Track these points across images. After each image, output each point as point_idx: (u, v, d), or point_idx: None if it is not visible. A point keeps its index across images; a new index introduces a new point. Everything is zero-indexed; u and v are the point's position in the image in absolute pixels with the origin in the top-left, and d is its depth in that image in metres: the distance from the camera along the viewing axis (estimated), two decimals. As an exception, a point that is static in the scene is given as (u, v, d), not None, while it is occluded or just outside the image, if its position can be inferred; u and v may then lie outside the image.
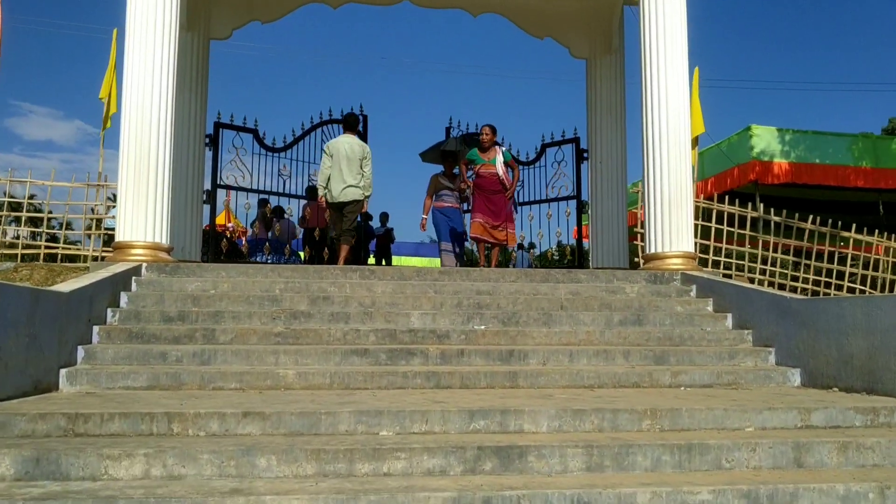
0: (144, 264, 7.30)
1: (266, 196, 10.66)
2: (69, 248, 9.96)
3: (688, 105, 8.38)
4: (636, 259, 10.80)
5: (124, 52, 7.78)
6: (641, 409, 4.42)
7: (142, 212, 7.53)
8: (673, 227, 8.18)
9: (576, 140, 10.62)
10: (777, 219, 10.89)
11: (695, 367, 5.99)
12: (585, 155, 10.49)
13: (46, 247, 9.75)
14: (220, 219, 17.00)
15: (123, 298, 6.62)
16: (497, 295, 7.22)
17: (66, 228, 10.09)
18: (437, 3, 10.57)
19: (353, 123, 9.30)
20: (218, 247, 9.74)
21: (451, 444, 3.84)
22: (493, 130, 9.38)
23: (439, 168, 10.76)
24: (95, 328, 5.93)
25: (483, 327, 6.53)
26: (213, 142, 9.90)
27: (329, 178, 8.94)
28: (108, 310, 6.28)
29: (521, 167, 11.11)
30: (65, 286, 5.77)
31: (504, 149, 9.60)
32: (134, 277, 7.00)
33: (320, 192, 8.95)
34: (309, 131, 10.68)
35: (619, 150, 10.25)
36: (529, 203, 10.84)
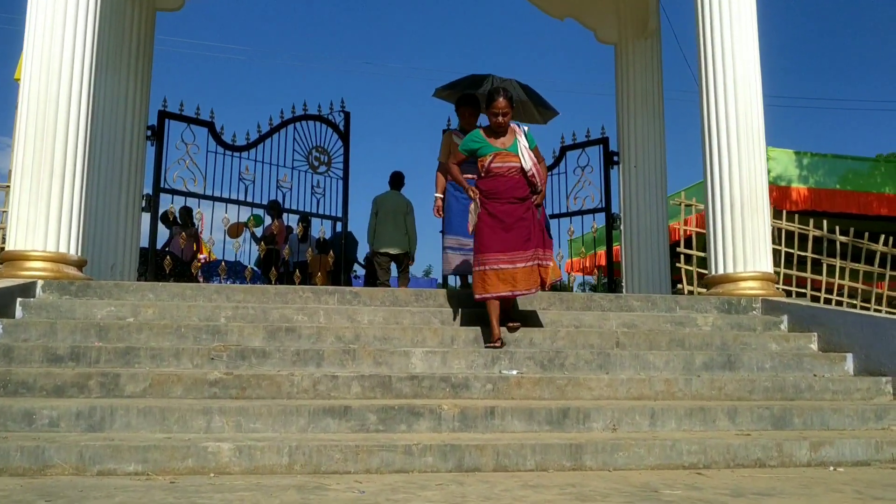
0: (41, 282, 5.27)
1: (223, 204, 8.67)
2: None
3: (760, 86, 6.54)
4: (679, 285, 8.89)
5: (26, 11, 5.81)
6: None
7: (42, 213, 5.51)
8: (747, 241, 6.29)
9: (604, 141, 8.75)
10: (844, 239, 9.06)
11: (835, 434, 4.04)
12: (616, 158, 8.60)
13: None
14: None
15: (-4, 328, 4.58)
16: (527, 326, 5.26)
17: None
18: (437, -25, 8.77)
19: (399, 181, 9.37)
20: (159, 265, 7.74)
21: None
22: (511, 102, 5.33)
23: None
24: (-67, 373, 3.88)
25: (516, 372, 4.55)
26: (157, 135, 7.93)
27: (376, 231, 9.11)
28: (-36, 345, 4.24)
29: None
30: None
31: (526, 128, 5.52)
32: (20, 299, 4.97)
33: (368, 239, 9.22)
34: (278, 127, 8.74)
35: (658, 152, 8.40)
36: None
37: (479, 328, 5.09)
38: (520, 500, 2.82)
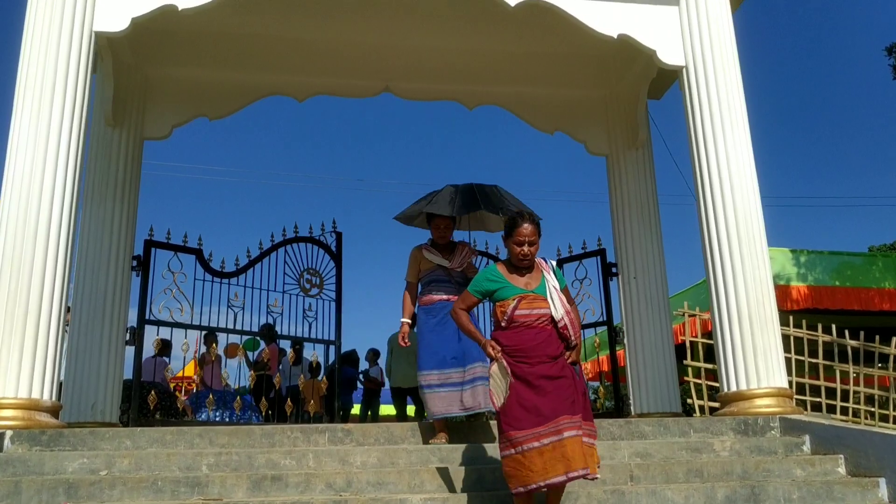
0: (9, 432, 4.92)
1: (213, 332, 8.36)
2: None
3: (757, 187, 6.42)
4: (689, 401, 8.52)
5: (8, 141, 5.71)
6: None
7: (14, 357, 5.21)
8: (759, 355, 6.00)
9: (601, 252, 8.55)
10: (855, 343, 8.77)
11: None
12: (614, 269, 8.37)
13: None
14: (189, 368, 14.16)
15: (-45, 491, 4.20)
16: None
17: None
18: (424, 95, 8.75)
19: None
20: (143, 402, 7.37)
21: None
22: (538, 228, 4.24)
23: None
24: None
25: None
26: (143, 265, 7.69)
27: (392, 369, 10.71)
28: (-83, 515, 3.86)
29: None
30: None
31: (553, 263, 4.38)
32: (-15, 455, 4.60)
33: (386, 374, 10.94)
34: (269, 251, 8.53)
35: (657, 261, 8.17)
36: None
37: (479, 468, 4.72)
38: None
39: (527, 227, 4.12)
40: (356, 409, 12.77)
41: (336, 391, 8.73)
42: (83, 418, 6.84)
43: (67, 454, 4.72)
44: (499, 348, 4.01)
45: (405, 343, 5.68)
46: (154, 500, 4.25)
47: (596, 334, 8.29)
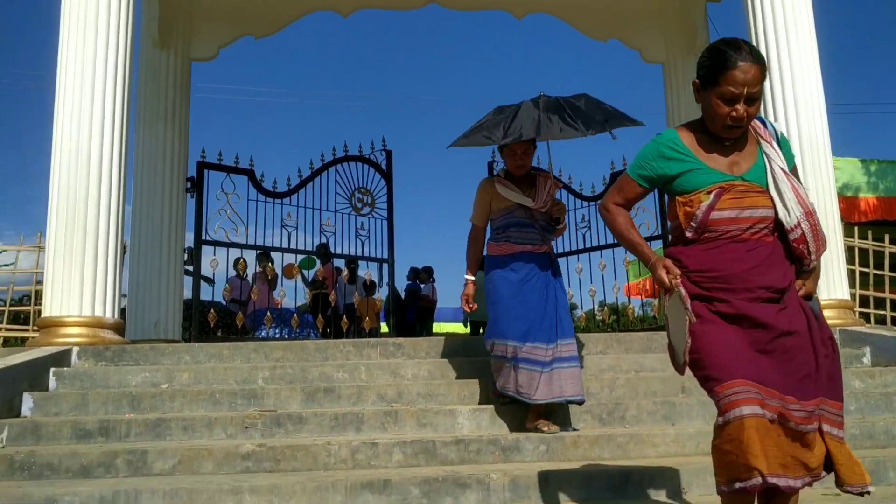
0: (76, 348, 5.12)
1: (266, 252, 8.51)
2: (15, 329, 7.89)
3: (822, 93, 6.10)
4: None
5: (56, 71, 5.74)
6: None
7: (76, 277, 5.38)
8: (820, 266, 5.79)
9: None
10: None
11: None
12: (670, 183, 8.15)
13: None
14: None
15: (27, 402, 4.43)
16: (586, 373, 4.87)
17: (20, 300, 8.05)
18: (471, 5, 8.49)
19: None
20: (204, 320, 7.59)
21: None
22: (763, 71, 2.40)
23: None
24: (-44, 458, 3.70)
25: (572, 429, 4.17)
26: (197, 187, 7.82)
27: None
28: (-7, 424, 4.07)
29: (583, 204, 8.84)
30: None
31: (777, 129, 2.60)
32: (53, 369, 4.81)
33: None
34: (320, 171, 8.55)
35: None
36: (598, 248, 8.51)
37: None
38: None
39: (746, 68, 2.34)
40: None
41: (393, 307, 8.84)
42: (147, 336, 7.09)
43: (130, 369, 4.90)
44: (677, 272, 2.41)
45: (470, 307, 4.52)
46: (212, 412, 4.39)
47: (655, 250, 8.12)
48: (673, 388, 4.71)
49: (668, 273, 2.41)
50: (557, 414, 4.29)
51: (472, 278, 4.53)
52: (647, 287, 14.20)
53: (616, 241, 8.17)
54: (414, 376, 4.88)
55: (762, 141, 2.50)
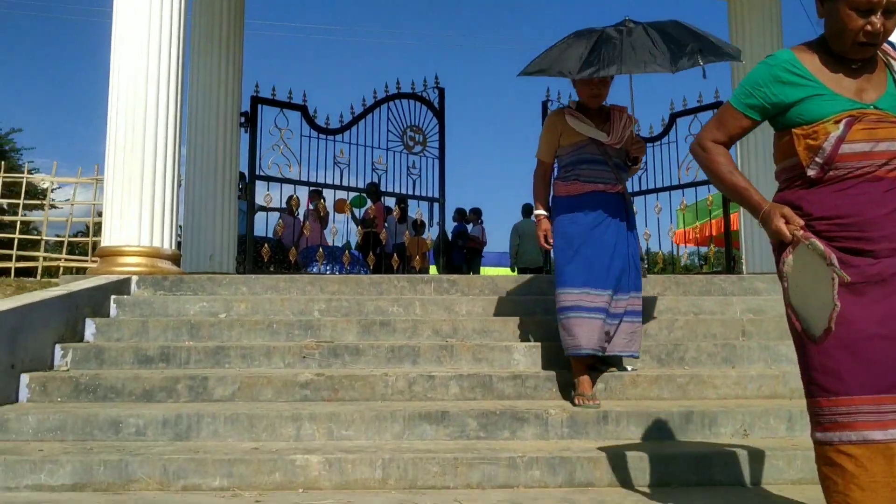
0: (135, 277, 5.20)
1: (319, 188, 8.51)
2: (74, 260, 8.05)
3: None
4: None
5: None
6: None
7: (134, 207, 5.43)
8: None
9: (718, 105, 8.06)
10: None
11: None
12: (733, 123, 7.89)
13: (46, 258, 7.82)
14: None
15: (90, 327, 4.51)
16: (644, 314, 4.81)
17: (75, 235, 8.19)
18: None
19: (531, 210, 10.54)
20: (257, 254, 7.66)
21: None
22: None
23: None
24: (25, 377, 3.81)
25: (630, 369, 4.11)
26: (251, 121, 7.80)
27: (518, 252, 11.64)
28: (58, 347, 4.17)
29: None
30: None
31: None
32: (114, 296, 4.89)
33: (510, 257, 11.66)
34: (372, 108, 8.47)
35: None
36: (653, 191, 8.32)
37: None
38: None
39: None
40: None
41: (443, 248, 8.81)
42: (201, 269, 7.18)
43: (188, 298, 4.96)
44: (800, 221, 2.05)
45: (548, 244, 4.07)
46: (270, 341, 4.43)
47: (710, 194, 7.91)
48: (733, 331, 4.61)
49: (787, 223, 2.04)
50: (610, 362, 4.13)
51: (545, 213, 4.11)
52: (698, 236, 13.86)
53: (672, 184, 8.07)
54: (468, 313, 4.85)
55: (894, 63, 2.13)
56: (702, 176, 7.97)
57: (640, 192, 8.33)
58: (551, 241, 4.04)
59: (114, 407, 3.60)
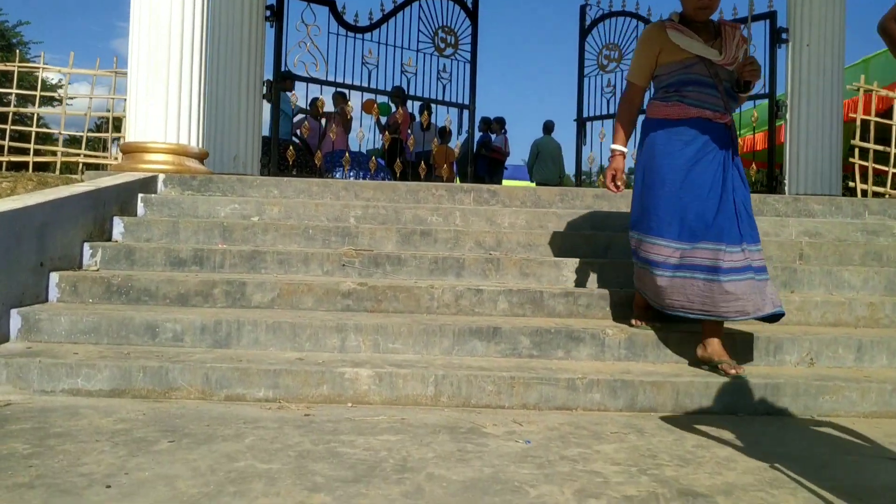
0: (162, 175, 4.97)
1: (345, 91, 8.16)
2: (94, 156, 7.80)
3: None
4: (850, 184, 7.88)
5: None
6: None
7: (160, 102, 5.15)
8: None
9: (771, 15, 7.62)
10: None
11: None
12: (784, 36, 7.48)
13: (65, 153, 7.58)
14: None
15: (118, 226, 4.31)
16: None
17: (96, 130, 7.92)
18: None
19: (551, 128, 11.79)
20: (282, 157, 7.40)
21: None
22: None
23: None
24: (54, 276, 3.63)
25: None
26: (277, 15, 7.40)
27: (534, 168, 11.79)
28: (87, 245, 3.98)
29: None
30: (-1, 207, 3.45)
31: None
32: (141, 195, 4.68)
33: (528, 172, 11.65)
34: (403, 5, 8.04)
35: (835, 26, 7.19)
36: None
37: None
38: (726, 466, 2.27)
39: None
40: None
41: (471, 157, 8.52)
42: (226, 170, 6.94)
43: (218, 199, 4.75)
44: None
45: (617, 188, 3.45)
46: (306, 247, 4.24)
47: (755, 107, 7.55)
48: (790, 254, 4.39)
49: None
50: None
51: (623, 149, 3.47)
52: (742, 145, 13.24)
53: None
54: (511, 225, 4.63)
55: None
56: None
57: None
58: (620, 183, 3.43)
59: (149, 311, 3.44)
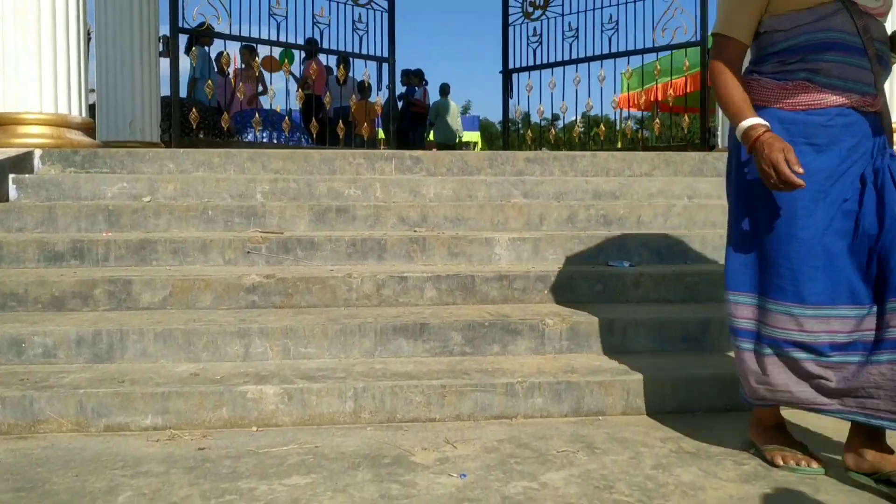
0: (39, 151, 4.36)
1: (252, 45, 7.51)
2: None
3: None
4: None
5: None
6: None
7: (33, 65, 4.51)
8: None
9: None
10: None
11: None
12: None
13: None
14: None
15: (-17, 215, 3.73)
16: (633, 198, 4.29)
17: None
18: None
19: (447, 90, 12.28)
20: (185, 120, 6.75)
21: None
22: None
23: None
24: None
25: (628, 265, 3.60)
26: (171, -40, 6.68)
27: (434, 128, 12.11)
28: (-59, 241, 3.40)
29: (612, 5, 7.81)
30: None
31: None
32: (13, 175, 4.08)
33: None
34: (313, -50, 7.38)
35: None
36: (623, 54, 7.60)
37: (571, 205, 4.10)
38: (693, 498, 1.95)
39: None
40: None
41: (393, 114, 8.02)
42: (121, 138, 6.30)
43: (105, 177, 4.18)
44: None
45: (786, 182, 1.93)
46: (206, 232, 3.75)
47: (686, 56, 7.24)
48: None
49: None
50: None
51: (763, 121, 2.02)
52: (639, 101, 12.75)
53: (647, 46, 7.37)
54: (437, 196, 4.22)
55: None
56: (680, 37, 7.30)
57: (614, 55, 7.63)
58: (799, 168, 1.92)
59: (14, 320, 2.92)
